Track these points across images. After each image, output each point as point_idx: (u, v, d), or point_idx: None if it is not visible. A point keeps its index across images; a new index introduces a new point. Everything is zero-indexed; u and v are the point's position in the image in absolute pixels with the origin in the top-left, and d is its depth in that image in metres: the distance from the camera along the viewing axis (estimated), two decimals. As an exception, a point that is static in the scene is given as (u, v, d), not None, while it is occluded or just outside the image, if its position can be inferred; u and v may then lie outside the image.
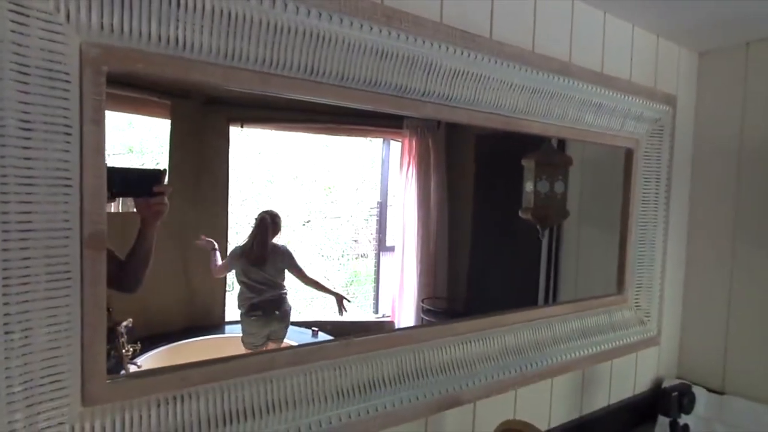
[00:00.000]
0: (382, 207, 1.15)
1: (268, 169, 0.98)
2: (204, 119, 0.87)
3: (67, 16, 0.58)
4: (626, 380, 1.45)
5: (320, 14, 0.74)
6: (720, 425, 1.31)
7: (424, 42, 0.86)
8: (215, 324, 0.93)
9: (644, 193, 1.39)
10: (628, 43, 1.33)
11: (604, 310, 1.32)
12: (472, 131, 1.19)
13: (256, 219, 0.95)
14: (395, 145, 1.14)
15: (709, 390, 1.46)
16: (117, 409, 0.64)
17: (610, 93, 1.21)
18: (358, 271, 1.16)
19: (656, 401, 1.46)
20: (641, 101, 1.30)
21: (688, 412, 1.18)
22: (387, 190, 1.15)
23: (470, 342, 1.02)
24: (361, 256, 1.16)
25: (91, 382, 0.62)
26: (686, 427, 1.15)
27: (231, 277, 0.95)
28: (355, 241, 1.14)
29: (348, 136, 1.09)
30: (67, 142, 0.59)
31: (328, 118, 0.98)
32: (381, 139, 1.14)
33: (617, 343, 1.31)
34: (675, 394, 1.15)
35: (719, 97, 1.50)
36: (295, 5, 0.72)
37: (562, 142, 1.34)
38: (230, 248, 0.93)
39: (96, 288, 0.62)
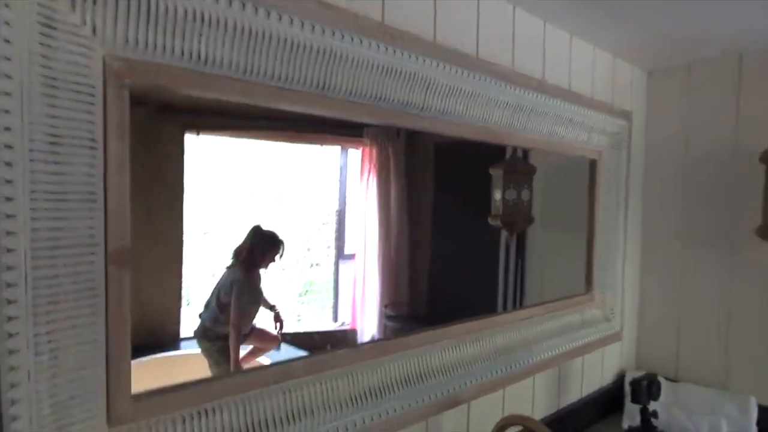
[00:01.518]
0: (341, 215, 1.16)
1: (218, 178, 0.97)
2: (158, 126, 0.84)
3: (93, 29, 0.57)
4: (595, 374, 1.56)
5: (333, 33, 0.77)
6: (678, 410, 1.44)
7: (424, 60, 0.91)
8: (170, 341, 0.90)
9: (607, 200, 1.52)
10: (590, 63, 1.46)
11: (576, 309, 1.42)
12: (431, 140, 1.24)
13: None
14: (353, 153, 1.15)
15: (665, 378, 1.60)
16: (143, 428, 0.63)
17: (579, 109, 1.32)
18: (313, 280, 1.16)
19: (622, 391, 1.59)
20: (603, 116, 1.43)
21: (656, 398, 1.29)
22: (345, 198, 1.16)
23: (465, 344, 1.07)
24: (315, 265, 1.15)
25: (116, 401, 0.61)
26: (655, 412, 1.27)
27: (187, 291, 0.93)
28: (308, 249, 1.14)
29: (307, 143, 1.09)
30: (93, 157, 0.58)
31: (289, 125, 0.98)
32: (339, 147, 1.15)
33: (588, 339, 1.42)
34: (645, 383, 1.26)
35: (666, 113, 1.66)
36: (311, 24, 0.74)
37: (525, 152, 1.44)
38: (186, 261, 0.91)
39: (121, 304, 0.61)
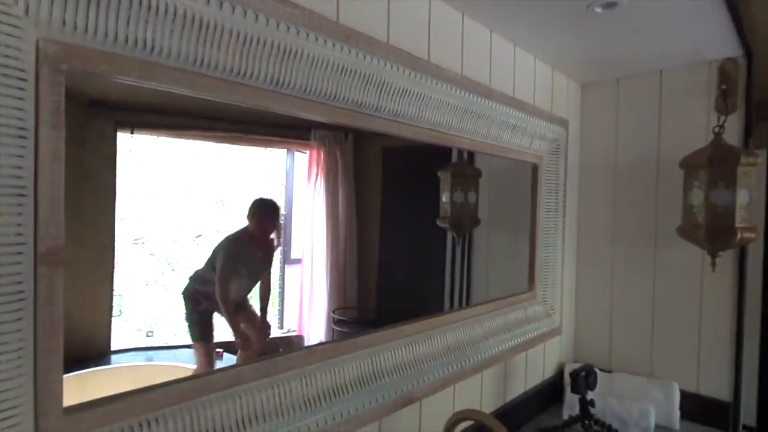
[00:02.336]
0: (287, 219, 1.14)
1: (154, 180, 0.92)
2: (87, 123, 0.78)
3: (26, 9, 0.53)
4: (537, 368, 1.64)
5: (288, 28, 0.76)
6: (612, 398, 1.54)
7: (378, 61, 0.92)
8: (99, 354, 0.84)
9: (547, 202, 1.60)
10: (531, 73, 1.54)
11: (520, 306, 1.49)
12: (380, 143, 1.26)
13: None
14: (299, 156, 1.14)
15: (600, 370, 1.71)
16: (77, 443, 0.58)
17: (522, 115, 1.39)
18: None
19: (562, 382, 1.68)
20: (543, 123, 1.51)
21: (593, 388, 1.38)
22: (292, 202, 1.14)
23: (417, 343, 1.08)
24: None
25: (47, 416, 0.56)
26: (592, 401, 1.35)
27: (118, 301, 0.87)
28: None
29: (251, 146, 1.06)
30: (22, 147, 0.53)
31: (233, 126, 0.96)
32: (285, 150, 1.12)
33: (532, 334, 1.48)
34: (583, 374, 1.34)
35: (598, 122, 1.79)
36: (265, 17, 0.72)
37: (471, 155, 1.49)
38: (118, 269, 0.85)
39: (52, 308, 0.56)
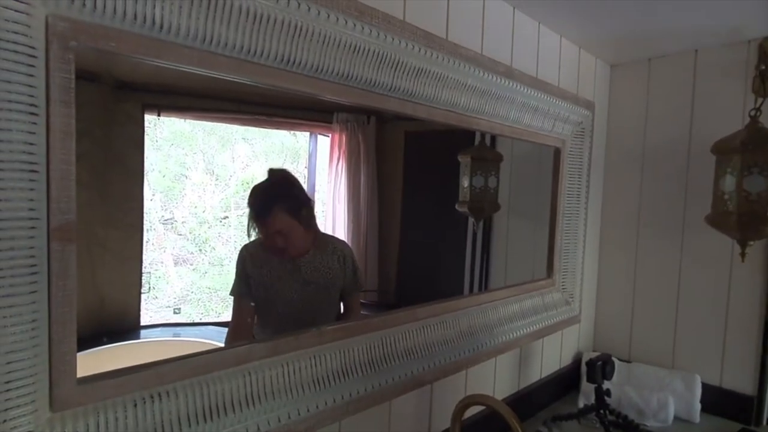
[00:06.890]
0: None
1: (181, 162, 0.93)
2: (115, 105, 0.79)
3: (34, -15, 0.53)
4: (554, 355, 1.62)
5: (299, 4, 0.74)
6: (630, 388, 1.51)
7: (393, 39, 0.90)
8: (129, 329, 0.87)
9: (569, 188, 1.55)
10: (556, 53, 1.48)
11: (538, 293, 1.46)
12: (402, 128, 1.24)
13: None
14: (322, 140, 1.14)
15: (619, 359, 1.67)
16: (90, 413, 0.60)
17: (545, 96, 1.34)
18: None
19: (579, 371, 1.65)
20: (568, 105, 1.45)
21: (609, 378, 1.35)
22: (314, 185, 1.15)
23: (430, 327, 1.08)
24: None
25: (61, 385, 0.58)
26: (608, 391, 1.32)
27: (147, 277, 0.88)
28: None
29: (275, 128, 1.07)
30: (33, 123, 0.54)
31: (257, 109, 0.96)
32: (308, 133, 1.12)
33: (549, 321, 1.46)
34: (599, 363, 1.31)
35: (627, 104, 1.72)
36: (275, -7, 0.71)
37: (492, 139, 1.45)
38: (148, 248, 0.86)
39: (65, 282, 0.58)
